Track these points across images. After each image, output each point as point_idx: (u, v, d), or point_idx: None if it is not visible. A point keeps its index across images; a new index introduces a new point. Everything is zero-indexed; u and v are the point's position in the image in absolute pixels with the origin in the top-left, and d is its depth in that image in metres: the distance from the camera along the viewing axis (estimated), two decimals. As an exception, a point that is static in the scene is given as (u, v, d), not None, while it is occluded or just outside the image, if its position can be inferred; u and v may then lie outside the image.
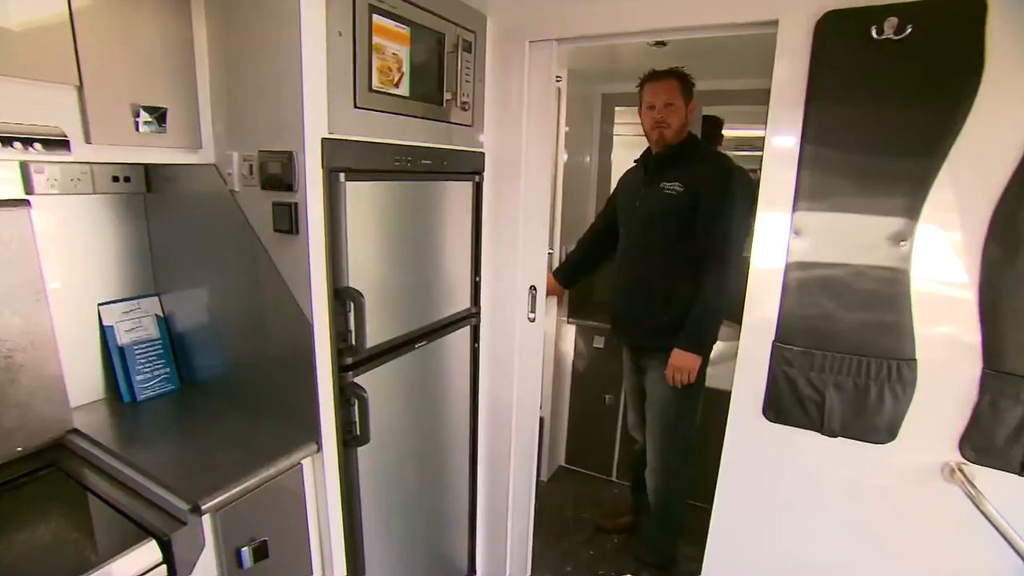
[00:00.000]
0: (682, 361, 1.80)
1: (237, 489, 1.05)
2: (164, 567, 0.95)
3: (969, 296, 1.11)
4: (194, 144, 1.21)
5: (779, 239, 1.26)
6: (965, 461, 1.15)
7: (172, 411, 1.36)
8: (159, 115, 1.13)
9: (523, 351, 1.74)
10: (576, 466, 2.80)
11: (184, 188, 1.33)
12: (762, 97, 1.25)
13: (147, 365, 1.38)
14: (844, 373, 1.23)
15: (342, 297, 1.18)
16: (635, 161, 2.04)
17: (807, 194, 1.20)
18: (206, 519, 1.02)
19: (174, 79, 1.15)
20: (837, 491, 1.32)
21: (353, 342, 1.20)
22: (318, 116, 1.09)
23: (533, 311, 1.70)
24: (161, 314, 1.43)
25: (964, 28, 1.03)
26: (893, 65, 1.09)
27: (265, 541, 1.11)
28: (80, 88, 1.01)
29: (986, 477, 1.13)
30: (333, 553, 1.29)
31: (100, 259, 1.35)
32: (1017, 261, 1.05)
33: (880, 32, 1.09)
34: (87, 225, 1.33)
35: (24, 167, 1.17)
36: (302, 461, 1.20)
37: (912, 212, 1.13)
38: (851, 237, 1.19)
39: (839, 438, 1.27)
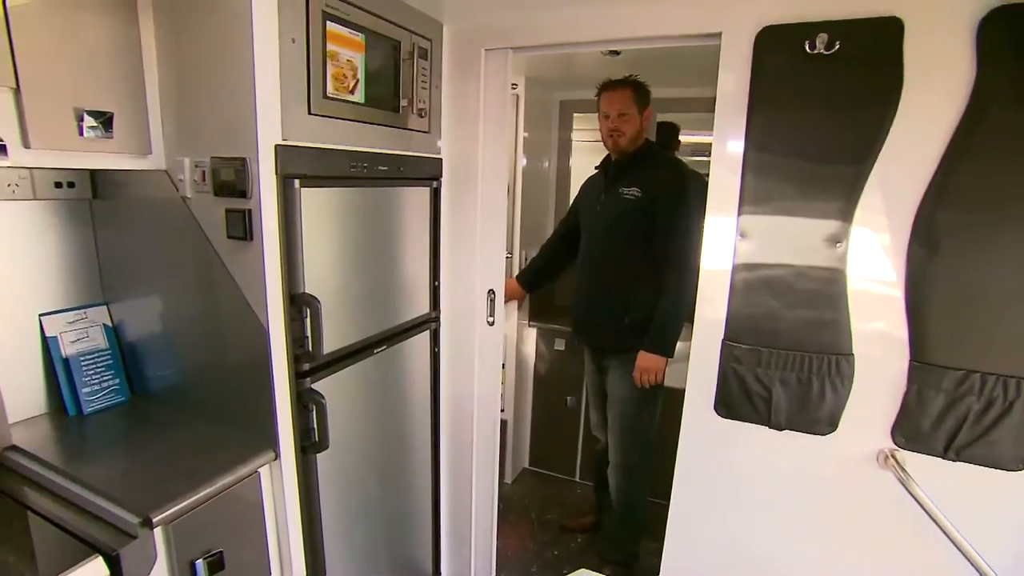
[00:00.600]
0: (648, 363, 1.85)
1: (190, 500, 1.03)
2: (114, 581, 0.93)
3: (897, 293, 1.19)
4: (143, 150, 1.19)
5: (726, 241, 1.32)
6: (897, 448, 1.23)
7: (121, 423, 1.31)
8: (105, 120, 1.11)
9: (483, 354, 1.76)
10: (540, 468, 2.83)
11: (134, 194, 1.30)
12: (712, 105, 1.31)
13: (95, 376, 1.33)
14: (788, 369, 1.29)
15: (298, 303, 1.17)
16: (596, 167, 2.10)
17: (751, 198, 1.26)
18: (158, 532, 0.99)
19: (121, 83, 1.12)
20: (785, 481, 1.39)
21: (310, 348, 1.19)
22: (271, 122, 1.09)
23: (492, 315, 1.72)
24: (110, 324, 1.39)
25: (884, 45, 1.11)
26: (825, 77, 1.17)
27: (221, 552, 1.09)
28: (16, 91, 0.98)
29: (916, 462, 1.21)
30: (293, 561, 1.27)
31: (42, 267, 1.30)
32: (937, 260, 1.13)
33: (813, 47, 1.16)
34: (27, 232, 1.28)
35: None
36: (259, 469, 1.18)
37: (846, 215, 1.20)
38: (792, 239, 1.26)
39: (785, 431, 1.33)
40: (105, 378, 1.35)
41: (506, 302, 1.80)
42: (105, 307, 1.39)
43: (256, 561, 1.22)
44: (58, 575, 0.87)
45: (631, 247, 1.91)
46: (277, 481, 1.22)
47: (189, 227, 1.19)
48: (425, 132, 1.54)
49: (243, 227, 1.09)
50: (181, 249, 1.24)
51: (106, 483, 1.05)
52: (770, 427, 1.34)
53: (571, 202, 2.29)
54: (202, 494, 1.05)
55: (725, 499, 1.47)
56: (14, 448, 1.17)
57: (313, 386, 1.23)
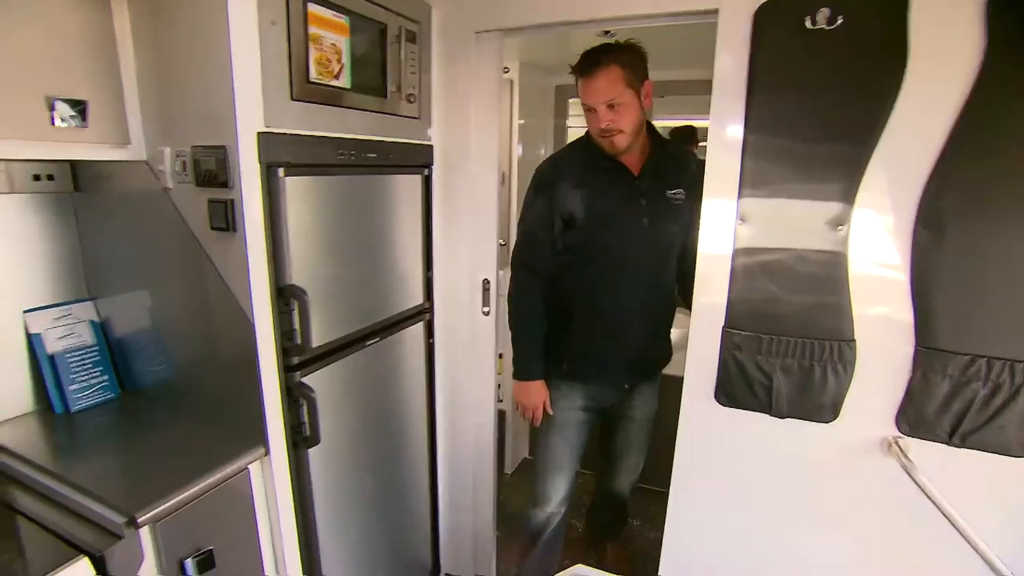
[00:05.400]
0: None
1: (178, 498, 1.00)
2: (99, 582, 0.91)
3: (902, 277, 1.16)
4: (122, 140, 1.15)
5: (725, 226, 1.28)
6: (900, 435, 1.20)
7: (110, 421, 1.29)
8: (79, 109, 1.07)
9: (478, 344, 1.73)
10: (540, 458, 2.81)
11: (115, 187, 1.26)
12: (707, 87, 1.27)
13: (82, 373, 1.31)
14: (790, 355, 1.26)
15: (286, 295, 1.14)
16: (605, 162, 1.47)
17: (751, 181, 1.23)
18: (144, 531, 0.97)
19: (94, 70, 1.08)
20: (787, 470, 1.37)
21: (299, 341, 1.16)
22: (252, 109, 1.05)
23: (487, 304, 1.69)
24: (97, 319, 1.36)
25: (888, 19, 1.06)
26: (827, 54, 1.12)
27: (211, 550, 1.07)
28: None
29: (920, 450, 1.19)
30: (286, 558, 1.25)
31: (24, 263, 1.27)
32: (943, 243, 1.10)
33: (814, 22, 1.11)
34: (7, 227, 1.24)
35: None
36: (249, 465, 1.16)
37: (848, 197, 1.16)
38: (793, 222, 1.22)
39: (787, 419, 1.31)
40: (93, 375, 1.33)
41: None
42: (91, 303, 1.36)
43: (248, 559, 1.20)
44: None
45: (673, 262, 1.57)
46: (268, 477, 1.20)
47: (172, 219, 1.16)
48: (415, 118, 1.50)
49: (226, 218, 1.06)
50: (165, 242, 1.20)
51: (92, 482, 1.02)
52: (771, 415, 1.32)
53: (538, 215, 1.53)
54: (189, 492, 1.02)
55: (726, 488, 1.45)
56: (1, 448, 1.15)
57: (303, 380, 1.21)
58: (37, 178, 1.25)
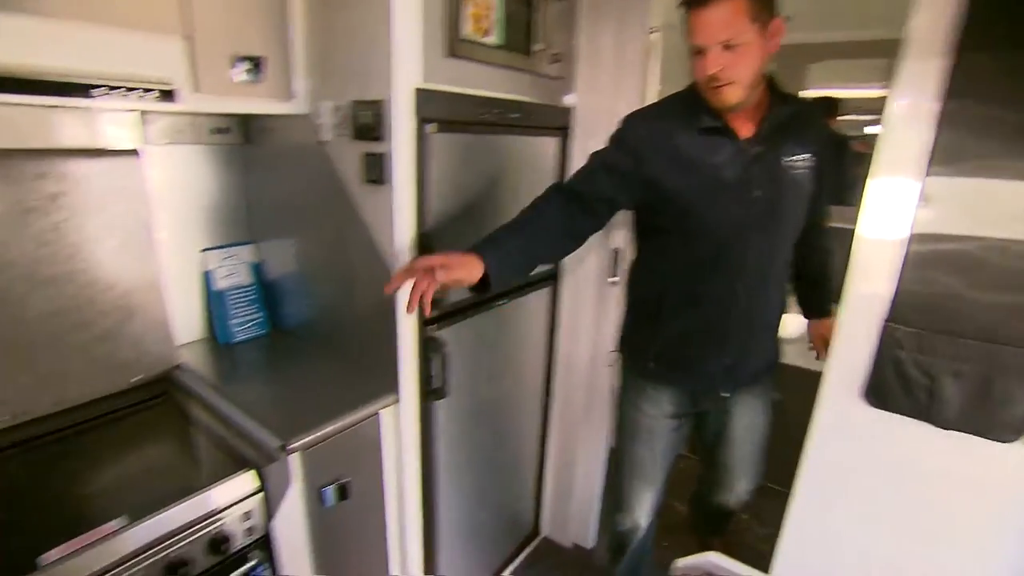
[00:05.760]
0: (828, 329, 1.41)
1: (321, 432, 1.09)
2: (261, 495, 1.01)
3: None
4: (287, 94, 1.23)
5: (901, 208, 1.13)
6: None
7: (263, 354, 1.42)
8: (255, 64, 1.15)
9: (602, 315, 1.70)
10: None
11: (278, 139, 1.36)
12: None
13: (241, 310, 1.45)
14: (966, 360, 1.10)
15: (428, 251, 1.18)
16: (708, 121, 1.15)
17: (944, 157, 1.06)
18: (294, 457, 1.06)
19: (270, 27, 1.15)
20: (940, 488, 1.21)
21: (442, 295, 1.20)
22: (409, 65, 1.07)
23: (615, 274, 1.64)
24: (255, 261, 1.50)
25: None
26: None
27: (348, 482, 1.16)
28: (188, 38, 1.03)
29: None
30: (408, 500, 1.33)
31: (203, 207, 1.42)
32: None
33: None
34: (190, 175, 1.39)
35: (136, 119, 1.23)
36: (380, 411, 1.23)
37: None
38: (995, 207, 1.04)
39: (951, 431, 1.15)
40: (250, 312, 1.47)
41: (447, 284, 1.02)
42: (251, 246, 1.50)
43: (374, 496, 1.29)
44: (218, 481, 0.97)
45: (789, 244, 1.30)
46: (398, 424, 1.26)
47: (325, 171, 1.22)
48: (558, 79, 1.46)
49: (378, 171, 1.10)
50: (318, 192, 1.28)
51: (252, 406, 1.14)
52: (932, 424, 1.17)
53: (602, 161, 1.21)
54: (332, 427, 1.11)
55: (859, 497, 1.31)
56: (180, 368, 1.31)
57: (437, 334, 1.25)
58: (216, 131, 1.38)
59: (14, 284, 1.08)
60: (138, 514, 0.89)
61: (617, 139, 1.22)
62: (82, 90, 0.94)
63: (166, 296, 1.28)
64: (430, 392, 1.27)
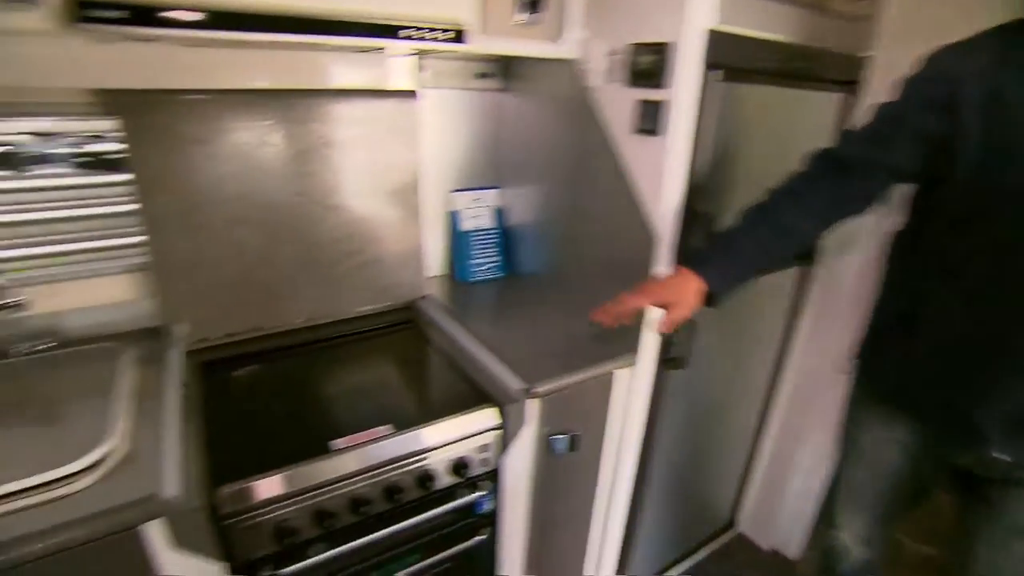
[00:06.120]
0: None
1: (562, 382, 1.08)
2: (499, 432, 1.06)
3: None
4: (558, 36, 1.20)
5: None
6: None
7: (499, 296, 1.48)
8: (533, 5, 1.13)
9: (855, 311, 1.45)
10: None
11: (538, 85, 1.36)
12: None
13: (482, 251, 1.52)
14: None
15: (693, 212, 1.09)
16: None
17: None
18: (532, 402, 1.08)
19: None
20: None
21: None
22: (704, 4, 0.96)
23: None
24: (499, 206, 1.55)
25: None
26: None
27: (578, 436, 1.15)
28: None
29: None
30: (623, 464, 1.30)
31: (456, 150, 1.49)
32: None
33: None
34: (448, 119, 1.46)
35: (414, 62, 1.31)
36: (616, 371, 1.19)
37: None
38: None
39: None
40: (489, 254, 1.53)
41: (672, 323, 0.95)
42: (497, 191, 1.55)
43: (593, 453, 1.28)
44: (467, 410, 1.03)
45: None
46: (630, 386, 1.22)
47: (588, 119, 1.19)
48: (858, 19, 1.23)
49: (653, 120, 1.03)
50: (574, 141, 1.26)
51: (495, 345, 1.18)
52: None
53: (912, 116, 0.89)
54: (572, 379, 1.10)
55: None
56: (426, 299, 1.42)
57: (685, 301, 1.17)
58: (480, 76, 1.43)
59: (312, 209, 1.24)
60: (402, 425, 0.98)
61: (923, 71, 0.90)
62: (391, 31, 1.01)
63: (422, 231, 1.38)
64: (668, 360, 1.20)
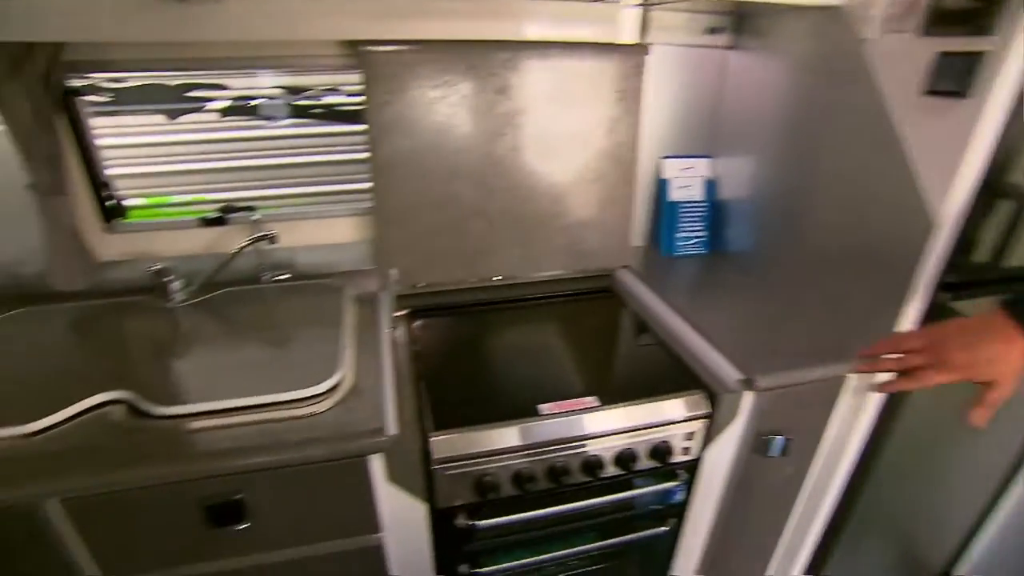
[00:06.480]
0: None
1: (785, 379, 0.95)
2: (707, 421, 0.96)
3: None
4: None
5: None
6: None
7: (703, 274, 1.35)
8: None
9: None
10: None
11: (780, 40, 1.18)
12: None
13: (689, 224, 1.40)
14: None
15: (993, 196, 0.87)
16: None
17: None
18: (748, 395, 0.97)
19: None
20: None
21: (986, 259, 0.90)
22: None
23: None
24: (710, 177, 1.41)
25: None
26: None
27: (790, 440, 1.02)
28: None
29: None
30: (831, 480, 1.14)
31: (673, 113, 1.38)
32: None
33: None
34: (670, 78, 1.34)
35: (638, 15, 1.20)
36: (848, 376, 1.03)
37: None
38: None
39: None
40: (695, 228, 1.41)
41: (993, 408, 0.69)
42: (709, 160, 1.41)
43: (802, 462, 1.13)
44: (677, 394, 0.95)
45: None
46: (859, 397, 1.05)
47: (853, 78, 1.00)
48: None
49: (961, 78, 0.82)
50: (823, 104, 1.08)
51: (704, 328, 1.08)
52: None
53: None
54: (796, 377, 0.96)
55: None
56: (628, 268, 1.35)
57: (952, 305, 0.95)
58: (710, 31, 1.29)
59: (526, 166, 1.22)
60: (606, 399, 0.93)
61: None
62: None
63: (635, 198, 1.30)
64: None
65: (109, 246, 1.18)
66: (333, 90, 1.20)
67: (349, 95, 1.21)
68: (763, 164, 1.27)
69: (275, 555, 0.87)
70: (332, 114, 1.22)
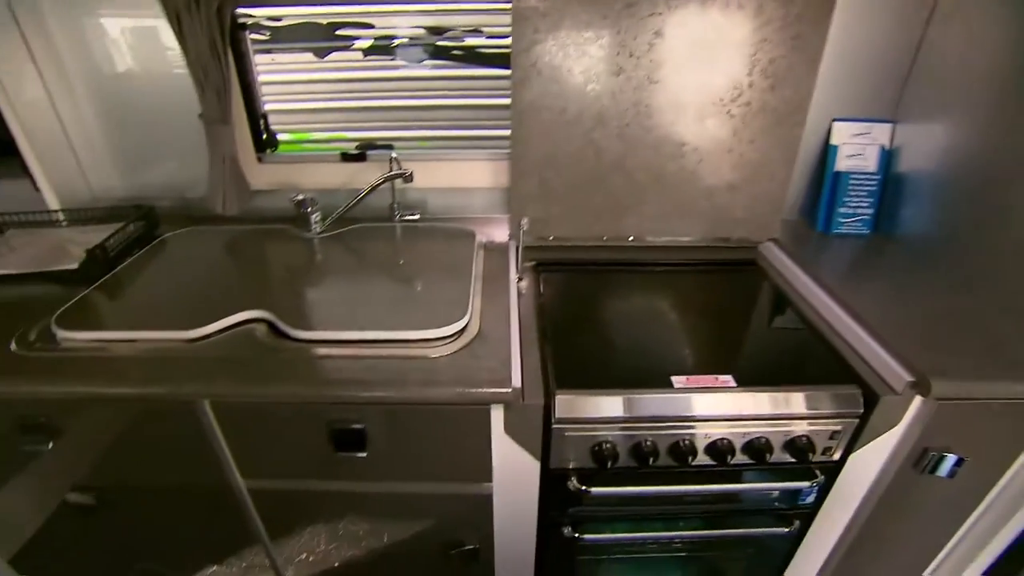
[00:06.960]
0: None
1: (969, 386, 0.80)
2: (858, 421, 0.84)
3: None
4: None
5: None
6: None
7: (865, 257, 1.17)
8: None
9: None
10: None
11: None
12: None
13: (854, 198, 1.22)
14: None
15: None
16: None
17: None
18: (918, 401, 0.83)
19: None
20: None
21: None
22: None
23: None
24: (888, 146, 1.21)
25: None
26: None
27: (965, 460, 0.87)
28: None
29: None
30: (1011, 519, 0.96)
31: (853, 64, 1.17)
32: None
33: None
34: (859, 18, 1.12)
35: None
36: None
37: None
38: None
39: None
40: (861, 204, 1.22)
41: None
42: (890, 126, 1.20)
43: (971, 489, 0.96)
44: (825, 385, 0.84)
45: None
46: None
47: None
48: None
49: None
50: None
51: (864, 315, 0.94)
52: None
53: None
54: (986, 389, 0.80)
55: None
56: (776, 241, 1.21)
57: None
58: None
59: (675, 120, 1.11)
60: (744, 380, 0.84)
61: None
62: None
63: (794, 163, 1.15)
64: None
65: (260, 175, 1.25)
66: (476, 31, 1.16)
67: (490, 36, 1.16)
68: (965, 132, 1.05)
69: (385, 486, 0.90)
70: (473, 56, 1.19)
